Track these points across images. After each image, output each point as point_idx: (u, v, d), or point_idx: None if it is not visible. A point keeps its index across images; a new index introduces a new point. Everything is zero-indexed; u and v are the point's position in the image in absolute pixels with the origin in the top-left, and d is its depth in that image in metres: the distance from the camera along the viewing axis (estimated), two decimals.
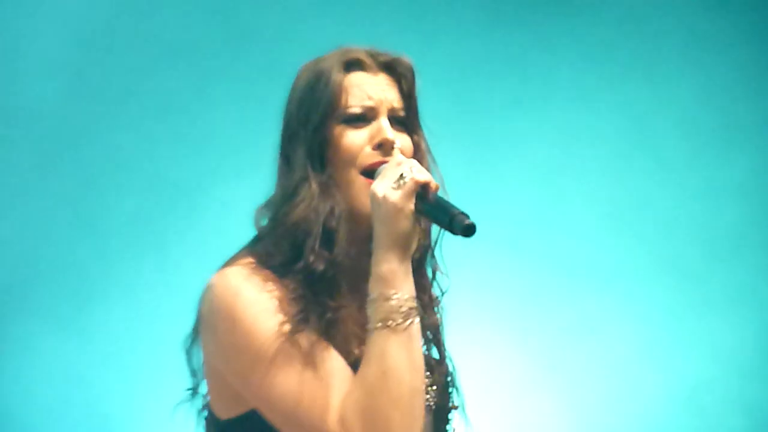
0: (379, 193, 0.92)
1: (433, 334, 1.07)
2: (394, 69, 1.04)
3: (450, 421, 1.11)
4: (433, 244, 1.05)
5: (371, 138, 1.00)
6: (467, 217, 0.92)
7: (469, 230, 0.91)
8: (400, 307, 0.91)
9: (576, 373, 2.88)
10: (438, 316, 1.08)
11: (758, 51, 3.00)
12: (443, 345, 1.09)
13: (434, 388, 1.06)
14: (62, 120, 2.73)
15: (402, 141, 1.01)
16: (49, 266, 2.68)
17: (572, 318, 2.91)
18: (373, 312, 0.92)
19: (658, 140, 3.00)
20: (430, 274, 1.07)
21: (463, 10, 2.98)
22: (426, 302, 1.05)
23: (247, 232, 1.04)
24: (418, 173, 0.92)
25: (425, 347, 1.05)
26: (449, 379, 1.10)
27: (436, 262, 1.06)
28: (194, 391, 1.04)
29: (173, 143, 2.77)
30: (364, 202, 0.97)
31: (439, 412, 1.08)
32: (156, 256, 2.68)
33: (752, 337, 2.89)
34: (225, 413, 0.99)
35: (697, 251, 2.95)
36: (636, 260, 2.94)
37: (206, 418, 1.05)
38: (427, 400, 1.03)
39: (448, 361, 1.09)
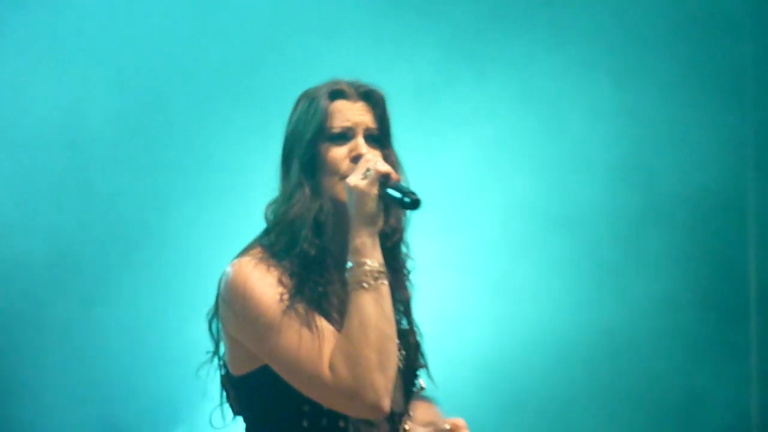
0: (351, 183, 1.28)
1: (404, 307, 1.41)
2: (370, 97, 1.40)
3: (416, 381, 1.46)
4: (402, 233, 1.40)
5: (349, 152, 1.35)
6: (414, 194, 1.29)
7: (416, 204, 1.29)
8: (371, 271, 1.26)
9: None
10: (408, 292, 1.43)
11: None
12: (412, 316, 1.43)
13: (403, 352, 1.38)
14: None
15: (374, 154, 1.35)
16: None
17: None
18: (350, 277, 1.27)
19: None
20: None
21: None
22: (398, 279, 1.39)
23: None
24: (380, 166, 1.28)
25: (397, 318, 1.35)
26: (417, 345, 1.43)
27: (406, 248, 1.42)
28: (214, 354, 1.38)
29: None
30: (344, 199, 1.32)
31: (407, 373, 1.41)
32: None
33: None
34: (238, 371, 1.33)
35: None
36: None
37: (222, 375, 1.39)
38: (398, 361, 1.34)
39: (416, 328, 1.43)
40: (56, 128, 3.39)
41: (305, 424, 1.29)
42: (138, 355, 3.40)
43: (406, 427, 1.44)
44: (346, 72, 1.47)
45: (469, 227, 3.69)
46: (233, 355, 1.35)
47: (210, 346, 1.39)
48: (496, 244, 3.74)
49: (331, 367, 1.24)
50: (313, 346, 1.25)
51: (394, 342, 1.29)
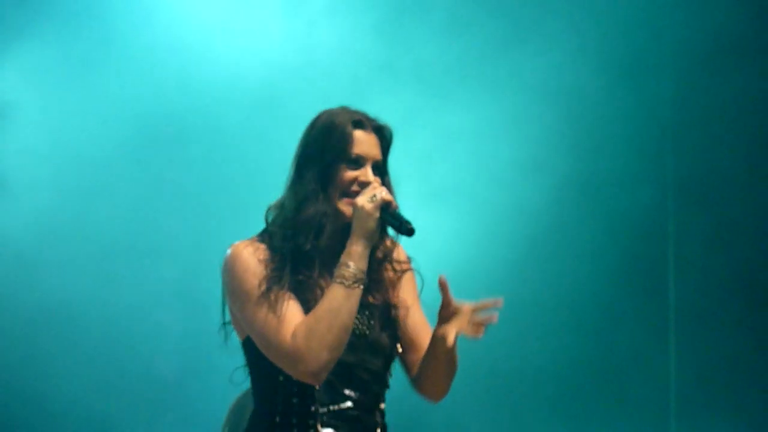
0: (359, 203, 1.56)
1: (374, 310, 1.66)
2: (381, 132, 1.66)
3: (395, 351, 1.71)
4: (390, 253, 1.71)
5: (358, 177, 1.62)
6: (410, 223, 1.58)
7: (410, 232, 1.58)
8: (353, 273, 1.54)
9: None
10: (382, 298, 1.69)
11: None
12: (388, 313, 1.70)
13: (372, 323, 1.65)
14: None
15: (378, 182, 1.63)
16: None
17: None
18: (335, 272, 1.54)
19: None
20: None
21: None
22: (379, 285, 1.69)
23: None
24: (385, 195, 1.56)
25: (363, 318, 1.63)
26: (395, 321, 1.70)
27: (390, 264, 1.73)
28: (223, 324, 1.69)
29: None
30: (345, 212, 1.60)
31: (373, 344, 1.65)
32: None
33: None
34: (240, 337, 1.66)
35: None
36: None
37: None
38: (365, 332, 1.63)
39: (394, 310, 1.70)
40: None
41: (281, 378, 1.59)
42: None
43: (381, 406, 1.70)
44: None
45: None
46: (234, 322, 1.65)
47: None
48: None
49: (294, 335, 1.50)
50: (279, 318, 1.53)
51: (347, 335, 1.53)
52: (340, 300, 1.54)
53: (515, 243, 4.00)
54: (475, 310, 1.66)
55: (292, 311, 1.56)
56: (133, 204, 3.74)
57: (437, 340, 1.64)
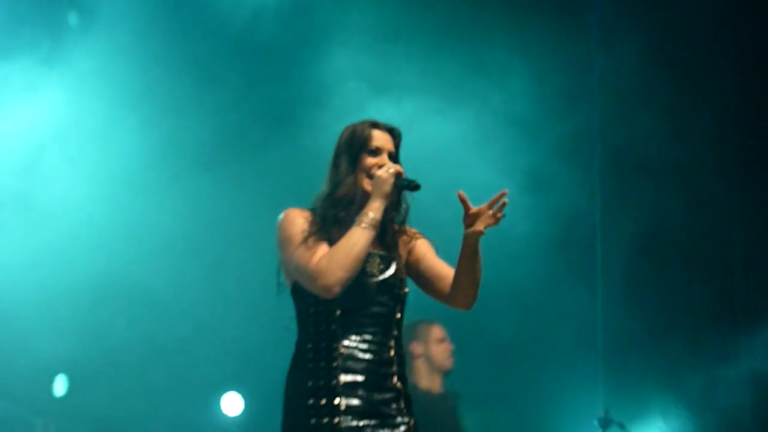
0: (378, 173, 2.05)
1: (387, 249, 2.14)
2: (392, 131, 2.18)
3: (404, 288, 2.15)
4: (400, 213, 2.19)
5: (378, 162, 2.10)
6: (416, 181, 2.05)
7: (417, 188, 2.06)
8: (370, 219, 2.01)
9: None
10: (398, 253, 2.16)
11: None
12: (396, 252, 2.17)
13: (381, 267, 2.10)
14: None
15: (391, 169, 2.07)
16: None
17: None
18: (357, 218, 2.02)
19: None
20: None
21: None
22: (393, 245, 2.16)
23: None
24: (397, 167, 2.06)
25: (385, 256, 2.12)
26: (395, 270, 2.12)
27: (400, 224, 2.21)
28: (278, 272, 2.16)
29: None
30: (368, 189, 2.07)
31: (387, 284, 2.10)
32: None
33: None
34: (289, 285, 2.15)
35: None
36: None
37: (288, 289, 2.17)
38: (375, 273, 2.07)
39: (400, 261, 2.16)
40: None
41: (311, 310, 2.07)
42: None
43: (395, 332, 2.10)
44: None
45: None
46: (285, 273, 2.14)
47: None
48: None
49: (317, 262, 1.98)
50: (311, 252, 2.01)
51: (359, 263, 1.99)
52: (356, 236, 2.00)
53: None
54: (490, 206, 2.04)
55: (321, 249, 2.02)
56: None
57: (468, 238, 2.05)
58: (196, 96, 4.33)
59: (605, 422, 4.21)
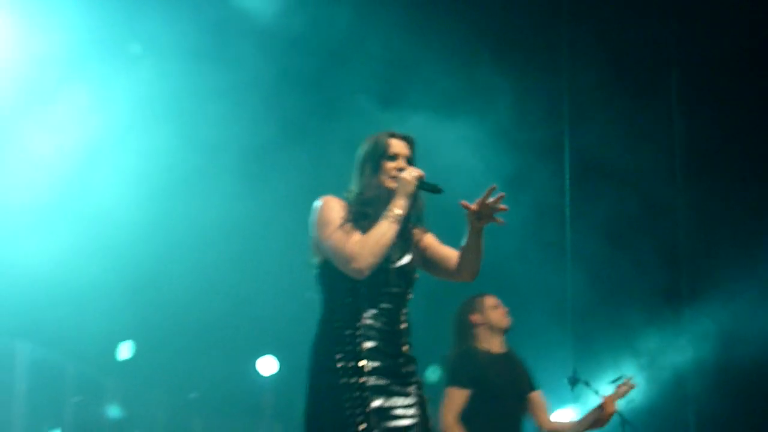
0: (403, 175, 2.30)
1: (406, 241, 2.42)
2: (408, 139, 2.43)
3: (409, 277, 2.40)
4: (419, 212, 2.42)
5: (396, 166, 2.36)
6: (438, 185, 2.29)
7: (439, 191, 2.30)
8: (395, 214, 2.25)
9: None
10: (412, 244, 2.44)
11: None
12: (410, 243, 2.44)
13: (399, 256, 2.37)
14: None
15: (415, 173, 2.33)
16: None
17: None
18: (384, 213, 2.25)
19: None
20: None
21: None
22: (409, 238, 2.42)
23: None
24: (419, 171, 2.31)
25: (398, 246, 2.34)
26: (410, 259, 2.42)
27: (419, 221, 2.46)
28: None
29: None
30: (390, 186, 2.32)
31: (403, 270, 2.39)
32: None
33: None
34: (318, 260, 2.37)
35: None
36: None
37: (315, 268, 2.41)
38: (395, 259, 2.34)
39: (415, 251, 2.45)
40: None
41: (338, 285, 2.32)
42: None
43: (404, 311, 2.38)
44: None
45: None
46: (315, 250, 2.38)
47: None
48: None
49: (352, 244, 2.23)
50: (347, 236, 2.26)
51: (385, 251, 2.25)
52: (384, 228, 2.25)
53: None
54: (483, 200, 2.24)
55: (355, 236, 2.26)
56: None
57: (472, 230, 2.31)
58: (232, 114, 5.01)
59: (573, 381, 4.27)
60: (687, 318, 5.68)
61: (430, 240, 2.49)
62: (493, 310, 3.64)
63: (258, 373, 5.31)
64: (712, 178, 5.64)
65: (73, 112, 4.66)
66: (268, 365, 5.25)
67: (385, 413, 2.24)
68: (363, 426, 2.18)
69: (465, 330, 3.62)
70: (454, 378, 3.46)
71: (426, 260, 2.48)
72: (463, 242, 2.36)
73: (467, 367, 3.48)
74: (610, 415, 3.55)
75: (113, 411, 5.33)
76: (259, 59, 4.98)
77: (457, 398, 3.41)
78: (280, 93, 5.12)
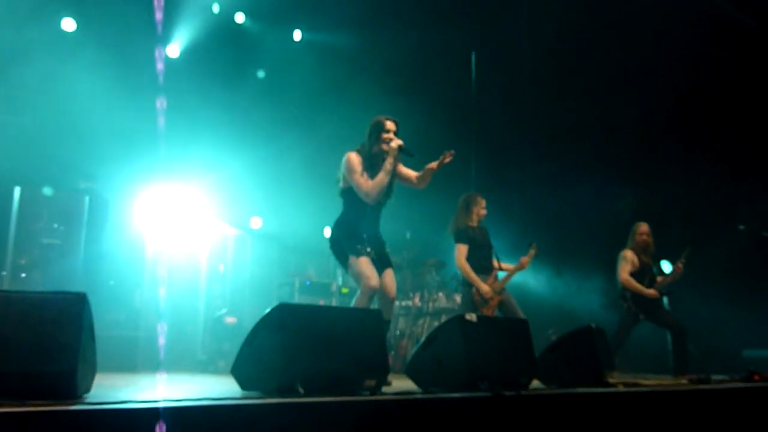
0: (391, 144, 4.50)
1: (393, 176, 4.69)
2: (395, 121, 4.58)
3: (384, 200, 4.65)
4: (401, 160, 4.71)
5: (389, 137, 4.49)
6: (411, 149, 4.46)
7: (412, 155, 4.48)
8: (388, 169, 4.45)
9: None
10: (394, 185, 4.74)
11: None
12: (394, 179, 4.79)
13: (386, 192, 4.64)
14: None
15: (397, 142, 4.53)
16: None
17: None
18: (382, 167, 4.44)
19: None
20: None
21: None
22: (392, 182, 4.69)
23: None
24: (400, 142, 4.53)
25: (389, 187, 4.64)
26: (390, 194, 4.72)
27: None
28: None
29: None
30: (385, 149, 4.49)
31: (386, 194, 4.63)
32: None
33: None
34: (343, 186, 4.63)
35: None
36: None
37: (340, 188, 4.65)
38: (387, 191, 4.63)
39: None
40: None
41: (351, 203, 4.62)
42: None
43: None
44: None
45: None
46: (343, 182, 4.61)
47: None
48: None
49: (367, 185, 4.46)
50: (364, 179, 4.48)
51: (384, 187, 4.50)
52: (383, 176, 4.44)
53: None
54: (445, 159, 4.41)
55: (367, 179, 4.44)
56: None
57: (430, 170, 4.55)
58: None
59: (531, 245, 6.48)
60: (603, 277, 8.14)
61: (402, 168, 4.63)
62: (481, 207, 6.06)
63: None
64: None
65: None
66: None
67: (369, 252, 4.37)
68: (360, 246, 4.29)
69: (464, 213, 6.06)
70: (458, 238, 5.95)
71: (400, 177, 4.60)
72: (422, 173, 4.52)
73: (466, 232, 5.98)
74: (524, 267, 6.00)
75: None
76: None
77: (462, 250, 5.90)
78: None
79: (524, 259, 6.02)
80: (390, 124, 4.40)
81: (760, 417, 4.10)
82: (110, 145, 6.99)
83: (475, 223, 6.03)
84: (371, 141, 4.42)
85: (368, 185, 4.29)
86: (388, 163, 4.28)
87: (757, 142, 8.19)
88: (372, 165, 4.37)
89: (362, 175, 4.31)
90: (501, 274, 5.97)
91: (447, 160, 4.32)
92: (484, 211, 6.08)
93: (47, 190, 7.23)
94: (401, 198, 4.72)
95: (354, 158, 4.37)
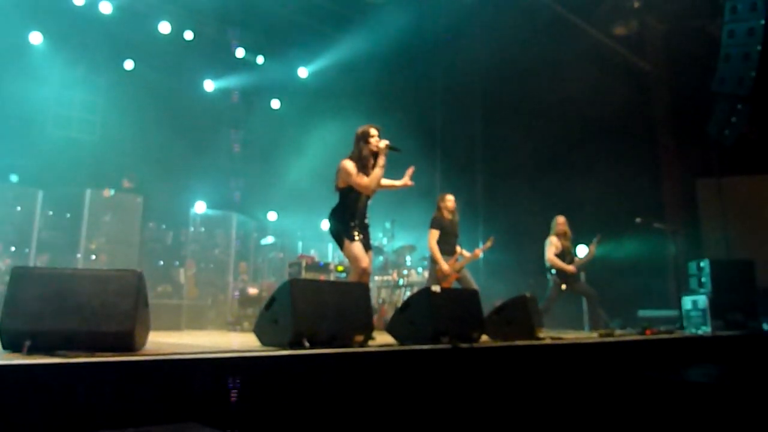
0: (381, 144, 4.19)
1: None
2: (378, 128, 4.24)
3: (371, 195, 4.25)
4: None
5: (376, 139, 4.19)
6: (398, 147, 4.16)
7: (399, 150, 4.17)
8: (381, 166, 4.15)
9: None
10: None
11: None
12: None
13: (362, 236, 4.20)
14: None
15: (384, 142, 4.22)
16: None
17: None
18: (376, 165, 4.17)
19: None
20: None
21: None
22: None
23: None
24: (388, 143, 4.20)
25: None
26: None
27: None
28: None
29: None
30: (374, 149, 4.18)
31: (365, 243, 4.19)
32: None
33: None
34: (340, 186, 4.21)
35: None
36: None
37: (336, 186, 4.22)
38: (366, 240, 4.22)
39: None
40: None
41: (346, 199, 4.22)
42: None
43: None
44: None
45: None
46: (340, 181, 4.21)
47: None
48: None
49: (366, 182, 4.15)
50: (360, 178, 4.14)
51: (379, 182, 4.20)
52: (378, 171, 4.14)
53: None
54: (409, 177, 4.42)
55: (363, 178, 4.12)
56: None
57: (400, 185, 4.42)
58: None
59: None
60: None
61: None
62: (448, 201, 5.91)
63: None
64: None
65: None
66: None
67: (361, 237, 4.10)
68: (355, 233, 4.06)
69: (438, 207, 5.89)
70: (431, 225, 5.82)
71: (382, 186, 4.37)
72: (396, 183, 4.38)
73: (439, 221, 5.84)
74: (477, 256, 5.93)
75: None
76: None
77: (434, 234, 5.77)
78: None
79: (477, 250, 5.99)
80: (374, 130, 4.17)
81: (652, 359, 4.32)
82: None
83: (447, 216, 5.88)
84: (360, 146, 4.13)
85: (367, 181, 4.04)
86: (381, 160, 4.06)
87: (647, 154, 8.40)
88: (362, 166, 4.12)
89: (358, 175, 4.06)
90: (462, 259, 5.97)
91: (409, 173, 4.34)
92: (451, 204, 5.94)
93: (109, 192, 7.22)
94: (384, 197, 4.61)
95: (349, 164, 4.08)
